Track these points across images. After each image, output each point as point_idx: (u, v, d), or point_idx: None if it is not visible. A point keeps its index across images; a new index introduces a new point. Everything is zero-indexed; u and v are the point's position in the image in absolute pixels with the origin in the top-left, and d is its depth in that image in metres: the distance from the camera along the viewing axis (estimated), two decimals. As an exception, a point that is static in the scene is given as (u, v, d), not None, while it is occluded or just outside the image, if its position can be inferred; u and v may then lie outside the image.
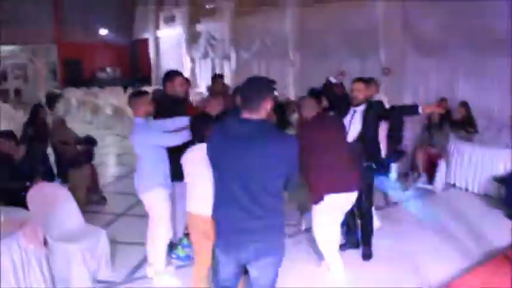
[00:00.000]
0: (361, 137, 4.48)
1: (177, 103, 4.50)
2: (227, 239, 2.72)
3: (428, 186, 6.85)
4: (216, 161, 2.72)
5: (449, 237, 5.11)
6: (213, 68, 16.31)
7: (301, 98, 4.60)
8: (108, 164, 9.05)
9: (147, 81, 20.28)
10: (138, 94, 4.02)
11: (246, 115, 2.61)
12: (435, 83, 9.49)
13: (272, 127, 2.76)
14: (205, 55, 16.92)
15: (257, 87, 2.67)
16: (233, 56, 15.18)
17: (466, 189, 6.77)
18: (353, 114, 4.54)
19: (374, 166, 4.51)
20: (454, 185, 6.95)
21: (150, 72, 21.29)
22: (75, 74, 21.18)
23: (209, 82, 10.86)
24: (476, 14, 8.25)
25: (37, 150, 5.57)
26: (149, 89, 17.37)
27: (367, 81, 4.85)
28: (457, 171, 6.92)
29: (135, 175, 4.03)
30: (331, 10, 11.56)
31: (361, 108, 4.51)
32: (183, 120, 4.05)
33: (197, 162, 3.25)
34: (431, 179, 6.88)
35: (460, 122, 7.45)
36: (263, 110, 2.62)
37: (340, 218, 4.16)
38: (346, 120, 4.53)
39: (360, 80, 4.63)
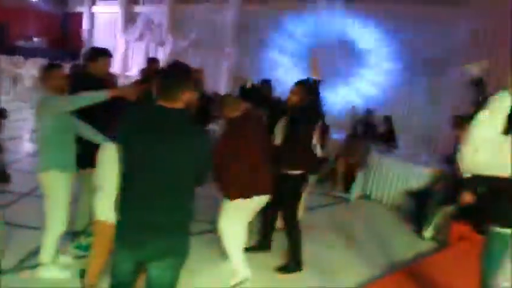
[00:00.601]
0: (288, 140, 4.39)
1: (98, 84, 4.23)
2: (126, 234, 2.52)
3: (344, 195, 6.99)
4: (124, 149, 2.50)
5: (358, 246, 5.23)
6: (147, 52, 15.80)
7: (224, 95, 4.46)
8: (20, 139, 8.47)
9: (77, 56, 19.29)
10: (51, 66, 3.72)
11: (162, 102, 2.43)
12: (365, 96, 9.76)
13: (188, 119, 2.60)
14: (140, 38, 16.38)
15: (177, 75, 2.48)
16: (169, 42, 14.81)
17: (381, 202, 6.98)
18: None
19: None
20: (369, 196, 7.15)
21: (81, 48, 20.30)
22: (0, 40, 19.74)
23: (141, 66, 10.50)
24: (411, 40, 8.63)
25: None
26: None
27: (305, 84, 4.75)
28: (374, 183, 7.12)
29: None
30: (271, 9, 11.61)
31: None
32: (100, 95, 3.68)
33: (106, 162, 3.06)
34: (348, 188, 7.03)
35: (382, 135, 7.69)
36: (180, 102, 2.46)
37: (249, 219, 4.11)
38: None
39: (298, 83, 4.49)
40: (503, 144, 2.62)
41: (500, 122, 2.62)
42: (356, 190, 6.98)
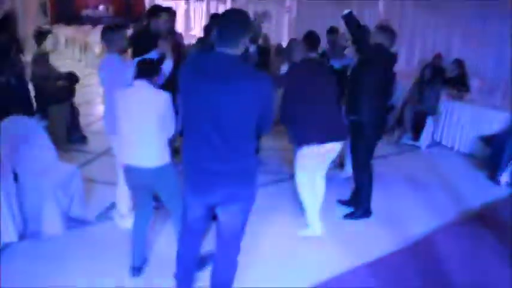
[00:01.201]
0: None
1: (159, 40, 4.30)
2: (196, 180, 2.62)
3: (414, 143, 6.80)
4: (186, 98, 2.54)
5: (430, 194, 5.10)
6: (208, 10, 15.83)
7: (291, 40, 4.36)
8: (92, 103, 8.87)
9: (141, 21, 19.67)
10: (113, 28, 3.81)
11: (222, 49, 2.43)
12: (431, 39, 9.27)
13: (248, 65, 2.60)
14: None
15: (238, 21, 2.45)
16: (229, -1, 14.73)
17: (452, 148, 6.73)
18: None
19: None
20: (440, 143, 6.91)
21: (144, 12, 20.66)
22: (67, 10, 20.47)
23: (202, 24, 10.50)
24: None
25: (16, 81, 5.37)
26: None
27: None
28: (445, 130, 6.86)
29: (104, 115, 3.84)
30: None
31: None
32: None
33: (133, 104, 3.11)
34: (418, 135, 6.82)
35: (453, 80, 7.30)
36: (241, 46, 2.46)
37: (326, 168, 4.07)
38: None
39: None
40: None
41: None
42: (426, 137, 6.75)
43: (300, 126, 3.82)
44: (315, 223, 4.03)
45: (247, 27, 2.47)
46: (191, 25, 16.80)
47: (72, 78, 6.35)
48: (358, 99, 4.20)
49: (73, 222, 4.09)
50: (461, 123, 6.61)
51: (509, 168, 5.44)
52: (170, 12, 4.58)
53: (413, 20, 9.57)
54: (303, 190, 3.98)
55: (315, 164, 3.96)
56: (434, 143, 6.92)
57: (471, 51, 8.13)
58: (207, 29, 6.54)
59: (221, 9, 14.80)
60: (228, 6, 14.64)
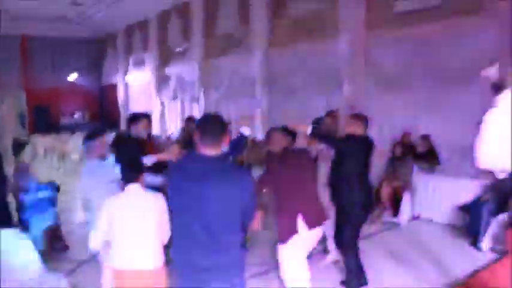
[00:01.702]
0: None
1: (140, 144, 4.53)
2: (186, 278, 2.68)
3: (394, 219, 6.92)
4: (174, 200, 2.73)
5: (416, 268, 5.16)
6: (183, 110, 16.38)
7: (270, 129, 4.56)
8: (72, 210, 8.83)
9: (116, 125, 20.20)
10: (93, 135, 4.00)
11: (204, 151, 2.63)
12: (399, 118, 9.73)
13: (228, 163, 2.79)
14: (174, 97, 17.02)
15: (216, 122, 2.71)
16: (202, 97, 15.32)
17: (431, 220, 6.87)
18: None
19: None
20: (418, 217, 7.06)
21: (119, 117, 21.24)
22: (44, 120, 20.92)
23: (177, 124, 10.86)
24: (434, 53, 8.66)
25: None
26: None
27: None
28: (422, 203, 7.05)
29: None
30: (295, 50, 11.91)
31: None
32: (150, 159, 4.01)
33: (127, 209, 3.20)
34: (396, 212, 6.97)
35: (422, 155, 7.63)
36: (222, 145, 2.68)
37: (306, 253, 4.12)
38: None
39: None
40: None
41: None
42: (405, 212, 6.90)
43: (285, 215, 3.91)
44: None
45: (224, 127, 2.71)
46: (166, 124, 17.29)
47: (53, 188, 6.42)
48: (339, 186, 4.41)
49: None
50: (437, 194, 6.82)
51: (489, 233, 5.58)
52: (148, 118, 4.83)
53: (378, 99, 10.07)
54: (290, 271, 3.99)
55: (301, 256, 4.03)
56: (414, 217, 7.05)
57: (438, 124, 8.57)
58: (183, 131, 6.86)
59: (195, 108, 15.38)
60: (202, 104, 15.20)
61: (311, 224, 3.87)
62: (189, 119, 7.22)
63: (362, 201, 4.43)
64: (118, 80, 21.17)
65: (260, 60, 13.14)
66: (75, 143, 14.81)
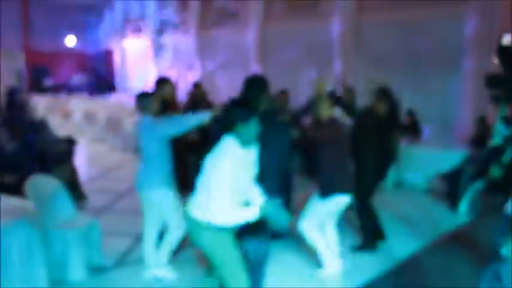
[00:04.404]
0: None
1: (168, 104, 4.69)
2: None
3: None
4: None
5: (402, 226, 5.57)
6: (178, 78, 16.39)
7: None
8: (80, 165, 9.00)
9: (113, 89, 20.11)
10: (148, 94, 4.09)
11: None
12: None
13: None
14: (170, 66, 16.99)
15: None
16: (198, 67, 15.36)
17: (414, 186, 7.27)
18: None
19: None
20: (402, 183, 7.45)
21: (115, 81, 21.12)
22: (42, 81, 20.69)
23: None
24: (423, 36, 8.96)
25: (29, 143, 5.59)
26: (116, 97, 17.31)
27: None
28: (406, 172, 7.41)
29: (139, 172, 3.98)
30: (290, 26, 12.04)
31: None
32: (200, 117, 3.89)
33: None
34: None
35: (407, 128, 7.98)
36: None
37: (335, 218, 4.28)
38: None
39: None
40: None
41: None
42: (391, 179, 7.25)
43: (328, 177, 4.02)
44: (333, 260, 4.19)
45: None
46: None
47: (71, 141, 6.58)
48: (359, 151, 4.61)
49: (94, 269, 4.25)
50: (421, 164, 7.19)
51: (466, 199, 5.99)
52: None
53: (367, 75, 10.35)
54: (312, 233, 4.12)
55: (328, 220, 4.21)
56: (399, 184, 7.44)
57: (420, 101, 8.93)
58: (189, 96, 6.96)
59: (191, 77, 15.39)
60: (198, 74, 15.20)
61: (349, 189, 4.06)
62: (196, 85, 7.33)
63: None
64: (115, 45, 20.94)
65: (255, 33, 13.23)
66: (75, 103, 14.81)
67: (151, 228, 4.08)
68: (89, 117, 12.47)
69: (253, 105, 2.85)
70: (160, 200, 3.93)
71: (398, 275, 4.24)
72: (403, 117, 8.27)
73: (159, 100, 4.56)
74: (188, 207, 2.94)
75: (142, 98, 4.01)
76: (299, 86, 10.61)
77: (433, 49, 9.15)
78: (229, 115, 2.79)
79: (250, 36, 13.38)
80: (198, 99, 6.49)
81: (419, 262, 4.51)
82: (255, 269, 3.13)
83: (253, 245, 3.15)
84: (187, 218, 2.94)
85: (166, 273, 4.14)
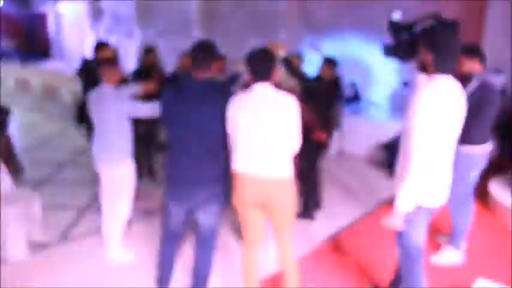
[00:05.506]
0: None
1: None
2: (180, 189, 2.87)
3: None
4: (167, 119, 2.89)
5: (348, 192, 5.76)
6: (118, 45, 15.64)
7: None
8: (15, 136, 8.44)
9: (47, 55, 18.91)
10: (112, 61, 3.75)
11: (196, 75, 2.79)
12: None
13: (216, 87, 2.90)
14: (108, 32, 16.15)
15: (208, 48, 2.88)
16: (138, 33, 14.70)
17: (354, 155, 7.44)
18: None
19: None
20: (344, 152, 7.61)
21: (50, 47, 19.85)
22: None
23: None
24: (365, 8, 9.01)
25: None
26: (52, 64, 16.31)
27: None
28: (348, 141, 7.57)
29: (96, 145, 3.72)
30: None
31: None
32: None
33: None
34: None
35: (349, 99, 8.09)
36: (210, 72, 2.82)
37: None
38: None
39: None
40: None
41: None
42: (333, 147, 7.38)
43: None
44: None
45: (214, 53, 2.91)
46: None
47: (5, 111, 6.08)
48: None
49: (35, 245, 4.00)
50: (362, 134, 7.35)
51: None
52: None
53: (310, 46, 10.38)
54: None
55: None
56: (341, 152, 7.58)
57: (362, 74, 9.07)
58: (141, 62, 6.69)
59: (131, 45, 14.78)
60: (138, 40, 14.61)
61: None
62: (148, 51, 6.88)
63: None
64: (49, 8, 19.57)
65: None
66: (7, 69, 13.78)
67: (112, 203, 3.82)
68: (23, 86, 11.65)
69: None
70: (123, 172, 3.72)
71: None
72: (347, 89, 8.38)
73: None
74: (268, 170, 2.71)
75: (105, 64, 3.67)
76: (243, 53, 10.42)
77: (375, 21, 9.24)
78: None
79: (192, 1, 12.95)
80: (149, 65, 6.18)
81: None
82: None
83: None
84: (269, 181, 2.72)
85: (126, 255, 3.92)
